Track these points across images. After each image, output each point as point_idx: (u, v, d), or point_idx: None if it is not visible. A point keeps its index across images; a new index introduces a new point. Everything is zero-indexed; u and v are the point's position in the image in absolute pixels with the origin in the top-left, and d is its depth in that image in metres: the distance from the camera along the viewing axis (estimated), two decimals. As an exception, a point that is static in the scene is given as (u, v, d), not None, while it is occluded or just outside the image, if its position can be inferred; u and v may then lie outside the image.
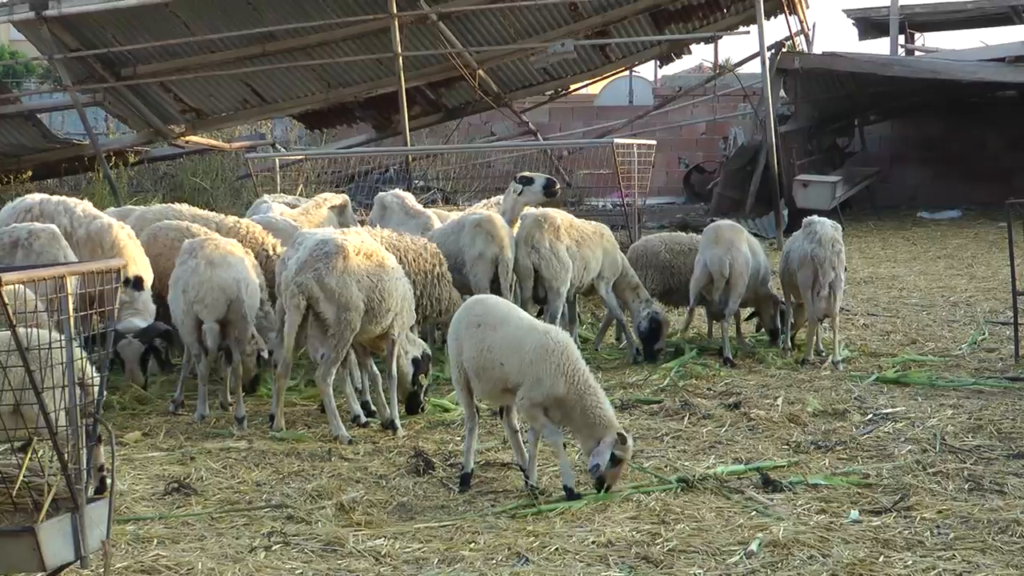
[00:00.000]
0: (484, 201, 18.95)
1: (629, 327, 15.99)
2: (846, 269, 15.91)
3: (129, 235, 14.50)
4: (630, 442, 9.95)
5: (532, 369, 9.81)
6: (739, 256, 15.55)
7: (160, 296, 14.25)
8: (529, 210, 15.90)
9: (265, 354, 13.70)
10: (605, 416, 9.83)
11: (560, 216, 15.71)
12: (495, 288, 14.93)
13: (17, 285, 7.79)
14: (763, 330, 16.76)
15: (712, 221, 18.10)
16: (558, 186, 16.03)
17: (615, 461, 9.78)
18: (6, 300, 6.75)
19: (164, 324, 14.12)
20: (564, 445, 10.14)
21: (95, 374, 7.95)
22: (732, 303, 15.52)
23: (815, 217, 15.86)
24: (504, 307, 10.52)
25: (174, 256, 13.56)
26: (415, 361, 12.74)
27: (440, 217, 17.38)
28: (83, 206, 14.99)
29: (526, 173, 16.76)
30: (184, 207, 16.47)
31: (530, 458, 10.24)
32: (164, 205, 16.94)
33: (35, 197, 15.38)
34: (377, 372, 12.70)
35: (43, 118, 35.12)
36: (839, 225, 15.83)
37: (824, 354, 15.48)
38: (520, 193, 15.64)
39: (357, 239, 12.45)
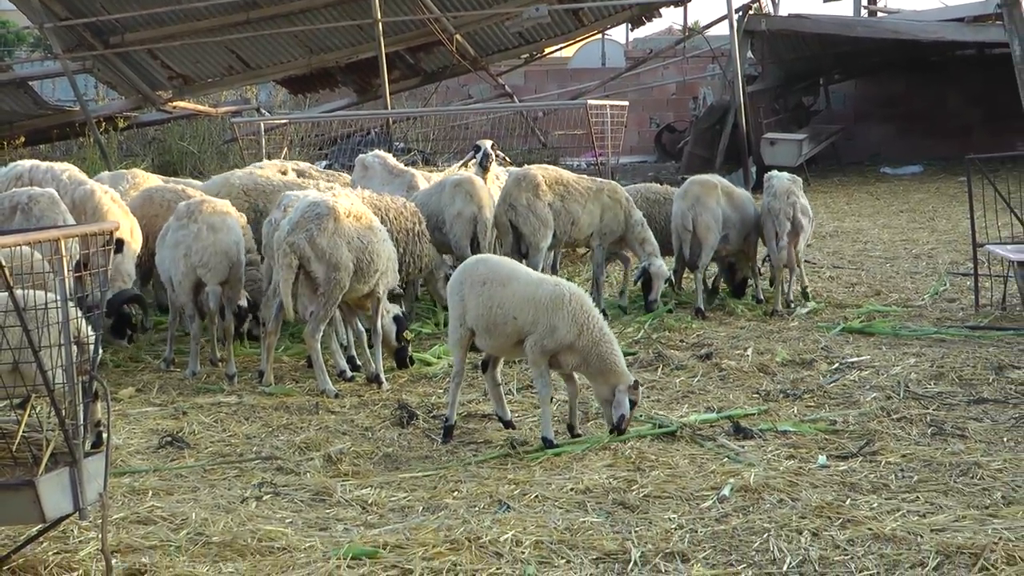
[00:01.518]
0: (461, 162, 18.93)
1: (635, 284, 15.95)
2: (811, 221, 15.93)
3: (113, 199, 14.40)
4: (640, 387, 10.05)
5: (547, 317, 9.86)
6: (704, 211, 15.45)
7: (151, 255, 14.19)
8: (513, 168, 16.00)
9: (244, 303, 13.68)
10: (619, 363, 9.91)
11: (546, 173, 15.56)
12: (475, 247, 15.01)
13: (25, 247, 7.80)
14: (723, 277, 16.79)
15: (683, 179, 18.06)
16: (491, 160, 16.70)
17: (631, 405, 9.86)
18: (3, 263, 6.75)
19: (130, 291, 14.03)
20: (552, 399, 10.21)
21: (91, 333, 7.95)
22: (704, 256, 15.48)
23: (774, 172, 15.95)
24: (508, 264, 10.52)
25: (169, 217, 13.51)
26: (396, 319, 12.78)
27: (423, 178, 17.41)
28: (69, 172, 14.90)
29: (478, 142, 17.04)
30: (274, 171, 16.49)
31: (571, 408, 10.37)
32: (250, 170, 16.79)
33: (25, 164, 15.33)
34: (362, 328, 12.73)
35: (34, 85, 34.92)
36: (797, 178, 15.87)
37: (793, 305, 15.52)
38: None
39: (347, 201, 12.44)
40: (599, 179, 16.45)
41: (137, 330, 14.61)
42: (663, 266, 15.41)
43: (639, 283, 15.56)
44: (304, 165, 19.07)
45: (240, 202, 15.14)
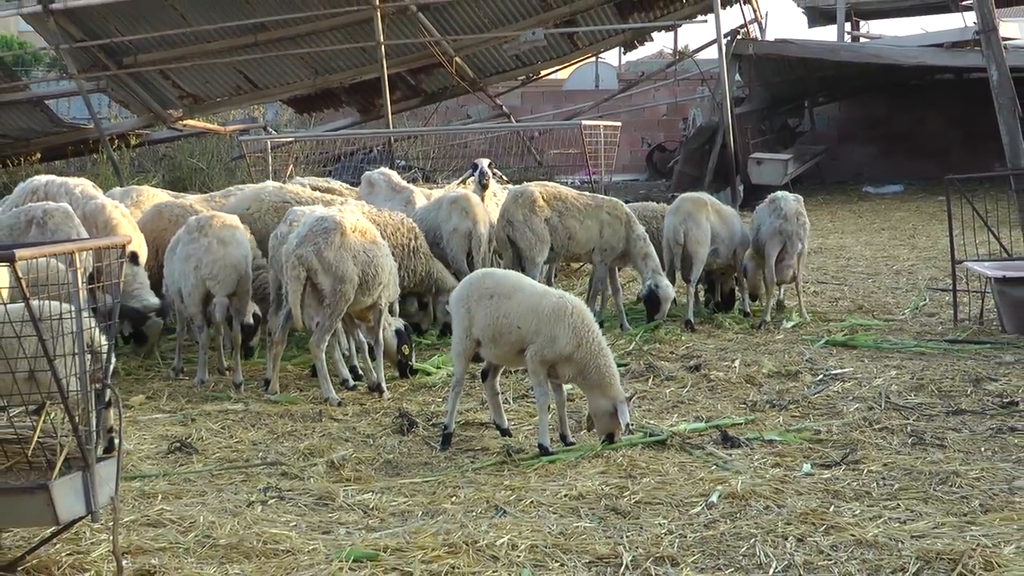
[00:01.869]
0: (460, 179, 18.92)
1: (626, 300, 15.88)
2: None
3: (123, 213, 14.40)
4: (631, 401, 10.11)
5: (548, 328, 9.85)
6: (695, 227, 15.46)
7: (160, 267, 14.21)
8: (512, 186, 16.02)
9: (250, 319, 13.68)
10: (615, 378, 9.92)
11: (544, 189, 15.51)
12: (470, 261, 15.03)
13: (49, 259, 7.81)
14: (711, 297, 16.75)
15: (674, 196, 18.08)
16: (488, 178, 16.65)
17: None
18: (20, 275, 6.75)
19: (170, 298, 14.18)
20: (549, 408, 10.18)
21: (104, 342, 7.95)
22: (695, 271, 15.50)
23: (780, 192, 15.89)
24: (513, 277, 10.51)
25: (176, 231, 13.54)
26: (398, 332, 12.78)
27: (423, 194, 17.39)
28: (82, 187, 14.88)
29: (476, 160, 17.04)
30: (298, 188, 16.40)
31: (560, 418, 10.34)
32: (279, 186, 16.58)
33: (41, 179, 15.32)
34: (363, 339, 12.73)
35: (50, 104, 35.01)
36: (800, 197, 15.86)
37: (783, 319, 15.52)
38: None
39: (353, 217, 12.46)
40: (600, 196, 16.41)
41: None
42: (670, 288, 15.33)
43: (643, 301, 15.50)
44: (336, 184, 19.02)
45: (270, 218, 15.12)
